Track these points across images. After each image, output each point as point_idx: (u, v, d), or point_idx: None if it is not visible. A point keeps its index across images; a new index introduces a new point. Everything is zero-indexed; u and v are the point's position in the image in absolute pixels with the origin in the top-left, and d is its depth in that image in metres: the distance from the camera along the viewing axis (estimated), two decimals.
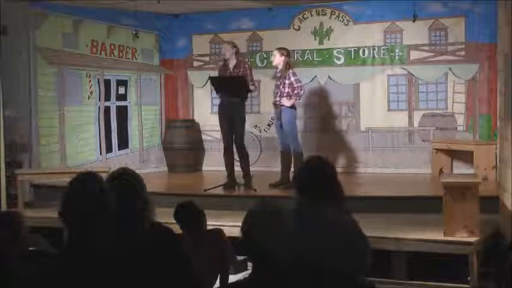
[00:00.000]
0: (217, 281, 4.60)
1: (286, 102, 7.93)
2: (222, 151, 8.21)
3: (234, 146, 8.13)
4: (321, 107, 9.89)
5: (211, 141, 10.42)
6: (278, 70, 8.14)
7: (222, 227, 5.08)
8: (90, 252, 2.51)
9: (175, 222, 4.64)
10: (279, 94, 8.00)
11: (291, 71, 8.01)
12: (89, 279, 2.47)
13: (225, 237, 4.80)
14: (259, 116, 10.03)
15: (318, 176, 3.29)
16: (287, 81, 7.94)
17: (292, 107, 8.00)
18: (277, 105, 8.07)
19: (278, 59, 8.08)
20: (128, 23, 10.02)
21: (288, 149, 8.12)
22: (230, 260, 4.82)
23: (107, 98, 9.94)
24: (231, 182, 8.05)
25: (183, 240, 4.00)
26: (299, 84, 7.95)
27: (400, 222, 6.48)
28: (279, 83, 8.05)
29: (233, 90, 7.92)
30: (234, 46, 8.17)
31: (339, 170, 8.10)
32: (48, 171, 8.55)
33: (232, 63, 8.09)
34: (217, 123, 8.37)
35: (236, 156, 8.18)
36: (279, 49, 8.14)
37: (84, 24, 9.55)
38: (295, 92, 7.92)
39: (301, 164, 7.99)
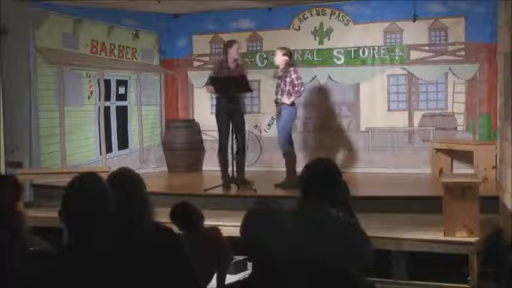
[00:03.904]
0: (214, 280, 4.60)
1: (287, 100, 7.93)
2: (217, 150, 8.22)
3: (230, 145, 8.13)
4: (320, 107, 9.90)
5: (211, 141, 10.40)
6: (279, 69, 8.12)
7: (221, 227, 5.08)
8: (90, 252, 2.51)
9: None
10: (280, 92, 8.00)
11: (292, 68, 8.00)
12: (89, 279, 2.47)
13: (222, 235, 4.80)
14: (259, 116, 10.03)
15: (321, 177, 3.28)
16: (288, 79, 7.94)
17: (292, 105, 7.99)
18: (278, 103, 8.06)
19: (279, 58, 8.07)
20: (128, 23, 10.03)
21: (288, 147, 8.10)
22: (228, 258, 4.81)
23: (107, 98, 9.94)
24: (229, 180, 8.05)
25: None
26: (300, 81, 7.95)
27: (400, 222, 6.48)
28: (280, 81, 8.04)
29: (234, 90, 7.93)
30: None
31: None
32: (48, 171, 8.56)
33: (233, 63, 8.10)
34: None
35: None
36: (280, 48, 8.13)
37: (84, 24, 9.55)
38: (296, 89, 7.92)
39: (290, 162, 8.20)
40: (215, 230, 4.86)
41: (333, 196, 3.26)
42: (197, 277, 3.13)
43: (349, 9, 9.72)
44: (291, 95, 7.93)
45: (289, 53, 8.08)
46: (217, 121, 8.18)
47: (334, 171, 3.35)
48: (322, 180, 3.28)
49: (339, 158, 9.60)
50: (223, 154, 8.09)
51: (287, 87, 7.94)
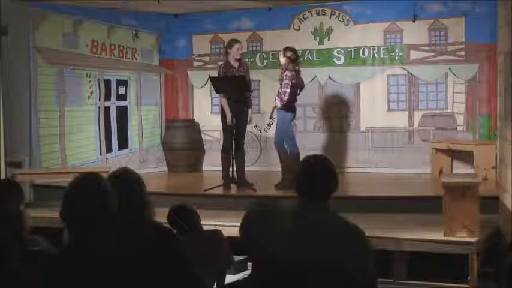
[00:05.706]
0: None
1: (278, 103, 7.91)
2: (221, 150, 8.23)
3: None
4: (321, 107, 9.90)
5: (211, 141, 10.42)
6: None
7: (221, 227, 5.09)
8: (90, 252, 2.52)
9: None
10: (276, 94, 7.99)
11: (286, 73, 7.88)
12: (89, 279, 2.47)
13: (223, 237, 4.79)
14: (259, 116, 10.01)
15: (314, 174, 3.27)
16: (282, 83, 7.90)
17: (286, 108, 7.89)
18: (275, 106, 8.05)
19: (281, 60, 8.03)
20: (128, 23, 10.03)
21: (281, 149, 8.07)
22: (228, 260, 4.81)
23: (107, 98, 9.94)
24: (229, 180, 8.05)
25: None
26: (284, 89, 7.79)
27: (400, 222, 6.48)
28: (279, 84, 8.02)
29: (234, 90, 7.93)
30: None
31: (339, 170, 8.13)
32: (48, 171, 8.56)
33: (237, 62, 8.11)
34: (218, 123, 8.39)
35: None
36: (283, 49, 8.04)
37: (84, 24, 9.55)
38: (280, 97, 7.86)
39: (297, 164, 8.07)
40: (215, 232, 4.85)
41: (331, 194, 3.25)
42: (201, 279, 3.13)
43: (349, 9, 9.72)
44: (282, 99, 7.89)
45: (289, 54, 7.91)
46: (222, 121, 8.17)
47: (332, 168, 3.33)
48: (321, 178, 3.26)
49: (339, 158, 9.58)
50: (227, 155, 8.08)
51: (280, 91, 7.90)
